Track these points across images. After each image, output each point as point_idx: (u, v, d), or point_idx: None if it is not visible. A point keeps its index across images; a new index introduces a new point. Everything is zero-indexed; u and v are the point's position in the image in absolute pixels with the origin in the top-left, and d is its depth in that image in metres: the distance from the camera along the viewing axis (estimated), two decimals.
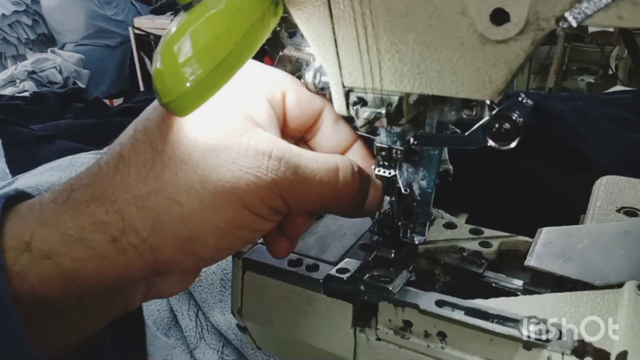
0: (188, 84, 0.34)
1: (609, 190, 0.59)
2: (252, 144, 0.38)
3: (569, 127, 1.05)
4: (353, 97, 0.44)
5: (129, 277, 0.37)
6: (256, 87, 0.43)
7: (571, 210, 0.64)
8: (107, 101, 2.57)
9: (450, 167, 0.51)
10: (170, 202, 0.36)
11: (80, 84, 3.38)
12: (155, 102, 0.39)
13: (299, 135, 0.48)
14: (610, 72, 2.74)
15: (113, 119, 1.59)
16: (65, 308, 0.37)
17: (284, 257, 0.48)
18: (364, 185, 0.45)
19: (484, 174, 1.01)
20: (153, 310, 0.85)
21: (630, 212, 0.55)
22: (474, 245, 0.54)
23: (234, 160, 0.37)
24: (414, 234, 0.51)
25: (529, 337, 0.39)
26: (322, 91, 0.47)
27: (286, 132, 0.46)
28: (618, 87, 1.88)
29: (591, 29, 2.33)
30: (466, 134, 0.42)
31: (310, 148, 0.48)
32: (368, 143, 0.49)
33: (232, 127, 0.38)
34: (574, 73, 3.05)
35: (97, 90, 3.47)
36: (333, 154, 0.45)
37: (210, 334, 0.84)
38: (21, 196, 0.39)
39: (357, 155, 0.48)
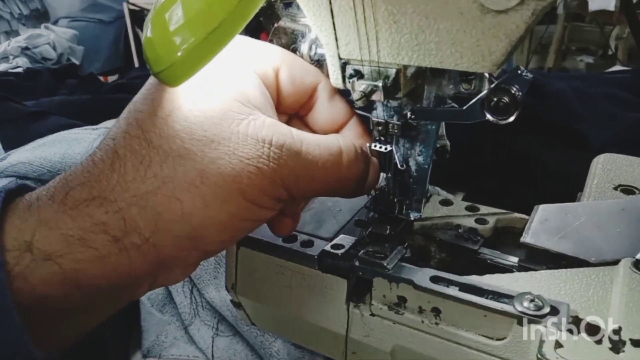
0: (180, 53, 0.33)
1: (606, 168, 0.59)
2: (250, 132, 0.36)
3: (567, 106, 1.05)
4: (349, 70, 0.43)
5: (133, 276, 0.37)
6: (248, 67, 0.41)
7: (568, 189, 0.63)
8: (101, 78, 2.53)
9: (447, 142, 0.50)
10: (171, 200, 0.35)
11: (75, 61, 3.34)
12: (145, 92, 0.38)
13: (293, 112, 0.47)
14: (610, 52, 2.72)
15: (107, 96, 1.57)
16: (70, 308, 0.37)
17: (288, 234, 0.47)
18: (366, 166, 0.44)
19: (481, 153, 1.01)
20: None
21: (627, 190, 0.55)
22: (469, 222, 0.53)
23: (233, 152, 0.36)
24: (409, 210, 0.50)
25: (523, 313, 0.39)
26: (318, 63, 0.46)
27: (280, 109, 0.45)
28: (617, 67, 1.87)
29: (591, 8, 2.31)
30: (464, 107, 0.42)
31: (305, 124, 0.47)
32: (364, 120, 0.48)
33: (229, 114, 0.37)
34: (573, 53, 3.03)
35: (91, 66, 3.42)
36: (333, 133, 0.44)
37: (205, 310, 0.84)
38: (20, 189, 0.37)
39: (353, 132, 0.47)
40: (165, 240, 0.36)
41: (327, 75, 0.45)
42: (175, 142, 0.35)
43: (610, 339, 0.37)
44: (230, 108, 0.37)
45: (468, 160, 1.02)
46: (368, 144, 0.47)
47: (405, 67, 0.41)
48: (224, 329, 0.82)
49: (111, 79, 3.04)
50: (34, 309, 0.34)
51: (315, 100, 0.46)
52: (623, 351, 0.36)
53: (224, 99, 0.37)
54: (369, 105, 0.46)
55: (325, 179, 0.41)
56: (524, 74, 0.38)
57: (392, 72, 0.41)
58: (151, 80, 0.39)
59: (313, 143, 0.40)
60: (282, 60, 0.43)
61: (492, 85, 0.40)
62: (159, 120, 0.36)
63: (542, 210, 0.51)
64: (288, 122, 0.47)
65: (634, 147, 0.82)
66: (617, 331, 0.37)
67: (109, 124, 1.16)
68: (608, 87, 1.26)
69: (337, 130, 0.47)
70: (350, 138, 0.44)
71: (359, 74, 0.43)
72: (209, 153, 0.35)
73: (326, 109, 0.46)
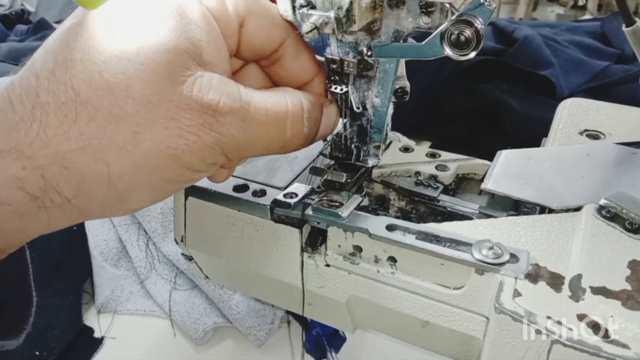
0: None
1: (572, 113, 0.57)
2: (195, 94, 0.32)
3: (535, 52, 1.02)
4: None
5: (53, 230, 0.34)
6: (206, 12, 0.35)
7: (534, 136, 0.61)
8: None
9: (407, 83, 0.47)
10: (97, 162, 0.32)
11: (29, 7, 3.16)
12: (82, 21, 0.32)
13: (253, 61, 0.42)
14: (580, 3, 2.70)
15: None
16: None
17: (222, 182, 0.44)
18: (314, 127, 0.41)
19: (448, 101, 0.98)
20: (100, 240, 0.81)
21: (592, 135, 0.53)
22: (429, 169, 0.51)
23: (172, 117, 0.32)
24: (367, 157, 0.48)
25: (481, 261, 0.37)
26: None
27: (237, 56, 0.40)
28: (587, 17, 1.85)
29: None
30: (423, 42, 0.38)
31: (267, 75, 0.43)
32: None
33: (174, 69, 0.32)
34: (544, 4, 2.99)
35: (47, 14, 3.24)
36: (283, 90, 0.39)
37: (162, 264, 0.81)
38: None
39: (316, 90, 0.43)
40: (89, 203, 0.33)
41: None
42: (108, 98, 0.31)
43: (570, 287, 0.36)
44: (176, 62, 0.32)
45: (435, 109, 1.00)
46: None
47: None
48: (182, 282, 0.80)
49: None
50: None
51: (280, 54, 0.41)
52: (583, 299, 0.35)
53: (172, 48, 0.32)
54: (324, 42, 0.42)
55: (268, 145, 0.37)
56: (486, 3, 0.35)
57: (345, 2, 0.38)
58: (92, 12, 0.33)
59: (261, 105, 0.35)
60: (249, 11, 0.38)
61: (454, 17, 0.36)
62: (92, 67, 0.31)
63: (505, 156, 0.49)
64: (244, 67, 0.43)
65: (601, 94, 0.81)
66: (577, 279, 0.36)
67: None
68: (577, 35, 1.24)
69: (299, 86, 0.43)
70: (299, 98, 0.39)
71: (310, 4, 0.39)
72: (144, 115, 0.31)
73: (290, 66, 0.42)
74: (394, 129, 0.56)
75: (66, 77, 0.31)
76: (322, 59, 0.44)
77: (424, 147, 0.55)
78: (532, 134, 0.60)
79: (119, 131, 0.31)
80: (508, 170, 0.47)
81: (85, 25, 0.32)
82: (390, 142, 0.55)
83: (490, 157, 0.51)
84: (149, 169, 0.33)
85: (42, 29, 1.72)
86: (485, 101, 0.93)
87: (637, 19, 0.45)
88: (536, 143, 0.59)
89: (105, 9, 0.33)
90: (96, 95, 0.31)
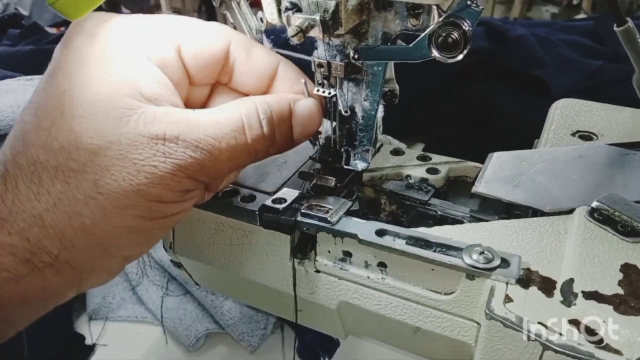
0: None
1: (565, 114, 0.56)
2: (141, 129, 0.34)
3: (529, 52, 1.02)
4: (285, 2, 0.39)
5: (52, 292, 0.36)
6: (142, 54, 0.37)
7: (528, 137, 0.61)
8: (54, 29, 2.38)
9: (397, 86, 0.47)
10: (70, 216, 0.34)
11: (23, 11, 3.15)
12: (33, 98, 0.35)
13: (213, 81, 0.43)
14: (574, 2, 2.70)
15: (52, 46, 1.47)
16: None
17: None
18: (281, 127, 0.40)
19: (441, 102, 0.98)
20: None
21: (585, 136, 0.53)
22: (421, 172, 0.50)
23: (125, 155, 0.33)
24: (356, 161, 0.47)
25: (471, 266, 0.37)
26: None
27: (197, 83, 0.41)
28: (581, 16, 1.85)
29: None
30: (411, 45, 0.38)
31: (234, 90, 0.43)
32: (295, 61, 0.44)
33: (116, 111, 0.34)
34: (538, 3, 3.00)
35: (41, 18, 3.23)
36: (237, 101, 0.39)
37: (154, 270, 0.80)
38: None
39: (285, 80, 0.43)
40: (76, 255, 0.35)
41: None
42: (62, 155, 0.33)
43: (561, 292, 0.35)
44: (115, 105, 0.34)
45: (428, 110, 0.99)
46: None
47: None
48: (174, 288, 0.79)
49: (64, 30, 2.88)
50: None
51: (232, 62, 0.42)
52: (575, 304, 0.34)
53: (110, 95, 0.34)
54: (311, 45, 0.42)
55: (232, 156, 0.38)
56: (472, 5, 0.34)
57: (331, 4, 0.37)
58: (41, 83, 0.36)
59: (213, 123, 0.36)
60: (182, 35, 0.39)
61: (441, 19, 0.36)
62: (42, 133, 0.34)
63: (497, 158, 0.48)
64: (213, 92, 0.44)
65: (595, 93, 0.80)
66: (568, 283, 0.35)
67: None
68: (571, 34, 1.24)
69: (269, 84, 0.43)
70: (252, 101, 0.39)
71: (295, 7, 0.38)
72: (99, 162, 0.33)
73: (248, 69, 0.42)
74: (386, 130, 0.55)
75: (25, 148, 0.34)
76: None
77: (415, 150, 0.54)
78: (526, 134, 0.60)
79: (81, 182, 0.33)
80: (499, 172, 0.46)
81: (34, 99, 0.35)
82: (381, 145, 0.55)
83: (484, 158, 0.51)
84: (119, 210, 0.34)
85: (33, 33, 1.71)
86: (478, 102, 0.93)
87: (628, 18, 0.45)
88: (530, 143, 0.59)
89: (47, 73, 0.35)
90: (52, 156, 0.33)
